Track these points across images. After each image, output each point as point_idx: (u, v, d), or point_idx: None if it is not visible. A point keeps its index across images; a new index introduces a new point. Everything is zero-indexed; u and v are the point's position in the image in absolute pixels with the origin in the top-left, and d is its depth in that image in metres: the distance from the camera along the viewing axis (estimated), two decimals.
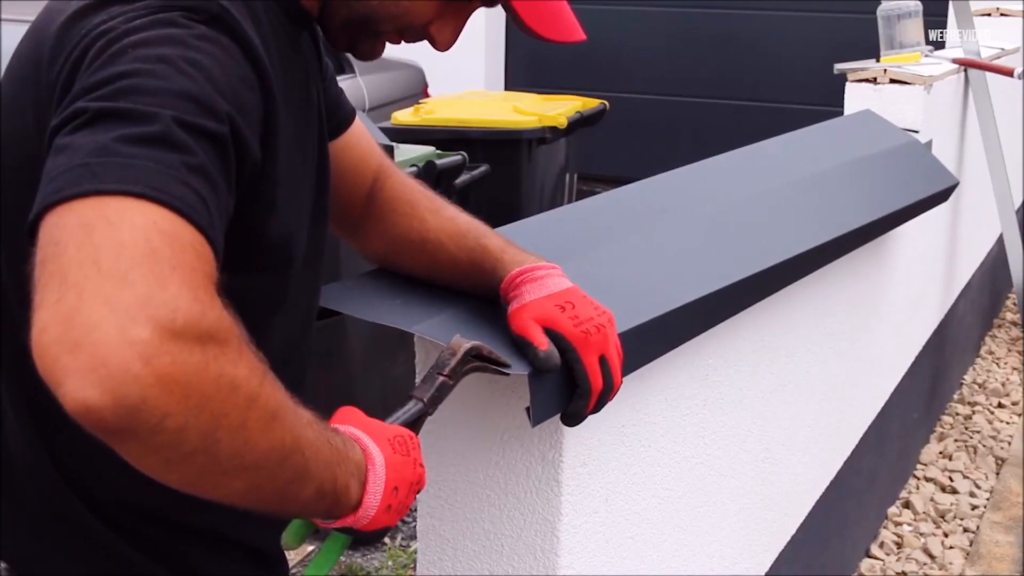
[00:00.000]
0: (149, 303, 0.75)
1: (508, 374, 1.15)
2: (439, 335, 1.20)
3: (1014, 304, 4.93)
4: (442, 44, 1.15)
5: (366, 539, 2.99)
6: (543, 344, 1.14)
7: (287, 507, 0.92)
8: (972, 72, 3.47)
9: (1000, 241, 4.06)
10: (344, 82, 5.30)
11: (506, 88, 7.11)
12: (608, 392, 1.19)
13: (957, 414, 3.92)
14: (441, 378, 1.10)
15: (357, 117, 1.37)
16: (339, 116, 1.30)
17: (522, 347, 1.16)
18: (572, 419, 1.21)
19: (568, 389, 1.18)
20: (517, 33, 7.17)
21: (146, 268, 0.76)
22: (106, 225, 0.77)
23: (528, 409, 1.18)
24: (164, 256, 0.77)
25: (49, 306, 0.74)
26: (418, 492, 1.04)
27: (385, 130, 4.06)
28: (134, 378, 0.73)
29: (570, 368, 1.16)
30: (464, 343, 1.11)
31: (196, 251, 0.80)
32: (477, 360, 1.12)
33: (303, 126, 1.11)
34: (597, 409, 1.20)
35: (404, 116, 4.52)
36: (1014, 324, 4.80)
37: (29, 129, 0.98)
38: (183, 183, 0.81)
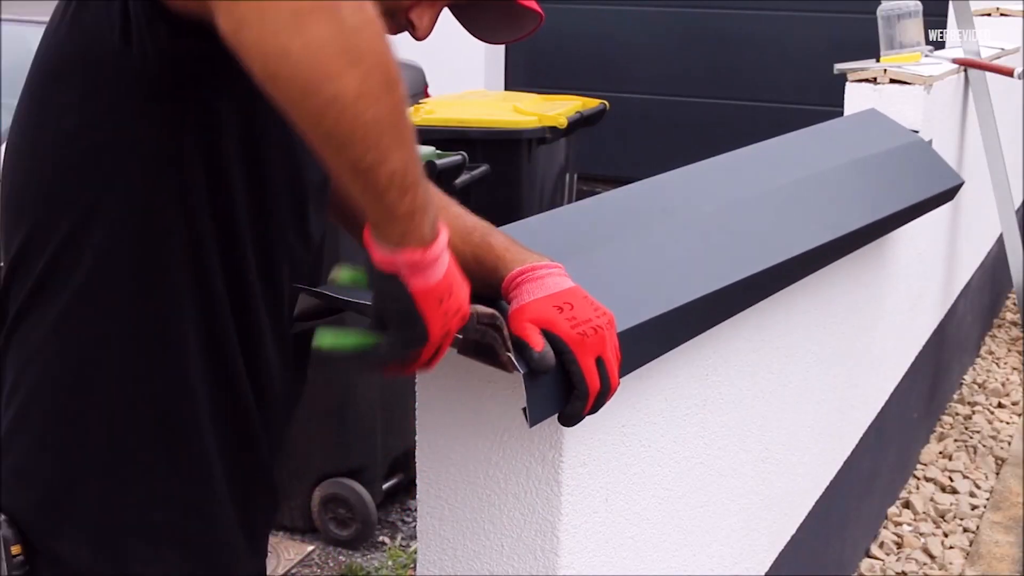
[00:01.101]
0: None
1: (508, 370, 1.15)
2: None
3: (1014, 304, 4.93)
4: (421, 31, 1.19)
5: (359, 540, 2.99)
6: (538, 345, 1.14)
7: (372, 154, 0.90)
8: (972, 72, 3.47)
9: (1000, 241, 4.06)
10: None
11: (506, 88, 7.11)
12: (605, 393, 1.19)
13: (957, 414, 3.92)
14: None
15: None
16: None
17: (518, 348, 1.16)
18: (569, 420, 1.21)
19: (566, 390, 1.18)
20: None
21: None
22: None
23: (525, 410, 1.18)
24: None
25: None
26: (459, 322, 1.05)
27: None
28: None
29: (566, 369, 1.16)
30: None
31: None
32: (492, 330, 1.13)
33: None
34: (595, 410, 1.20)
35: None
36: (1014, 324, 4.80)
37: None
38: None
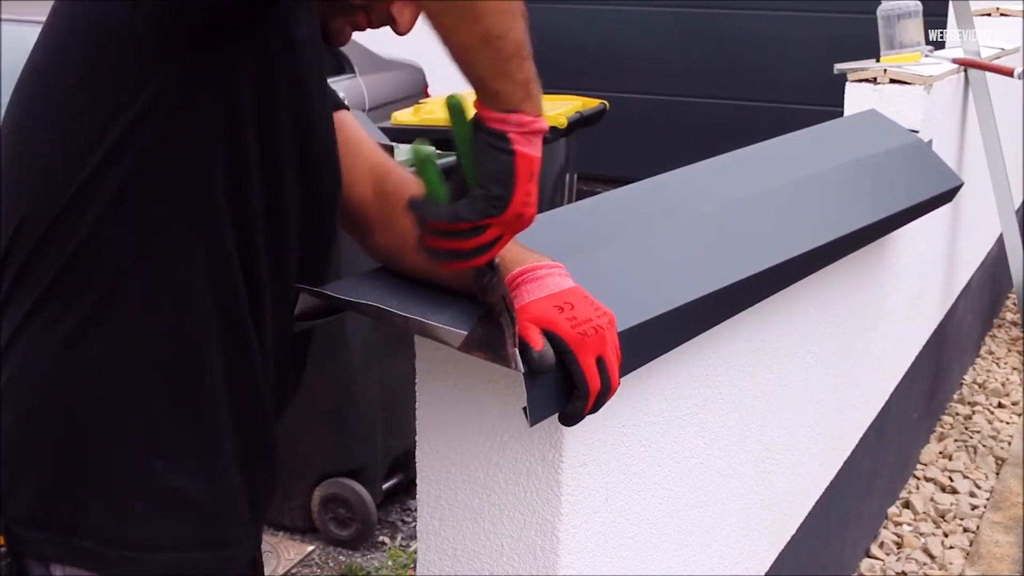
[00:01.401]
0: None
1: (508, 365, 1.16)
2: (453, 327, 1.20)
3: (1014, 304, 4.93)
4: (403, 26, 1.23)
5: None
6: (538, 344, 1.14)
7: (503, 22, 0.98)
8: (972, 72, 3.47)
9: (1000, 241, 4.06)
10: (344, 82, 5.31)
11: None
12: (606, 393, 1.19)
13: (957, 414, 3.92)
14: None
15: (356, 117, 1.38)
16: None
17: (519, 347, 1.16)
18: (570, 419, 1.21)
19: (566, 389, 1.18)
20: None
21: None
22: None
23: (525, 409, 1.18)
24: None
25: None
26: (530, 218, 1.08)
27: (385, 130, 4.06)
28: None
29: (567, 369, 1.16)
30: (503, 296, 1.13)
31: None
32: (508, 314, 1.13)
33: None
34: (595, 410, 1.20)
35: (404, 116, 4.52)
36: (1014, 324, 4.80)
37: None
38: None
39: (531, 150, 1.03)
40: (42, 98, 1.13)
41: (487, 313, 1.15)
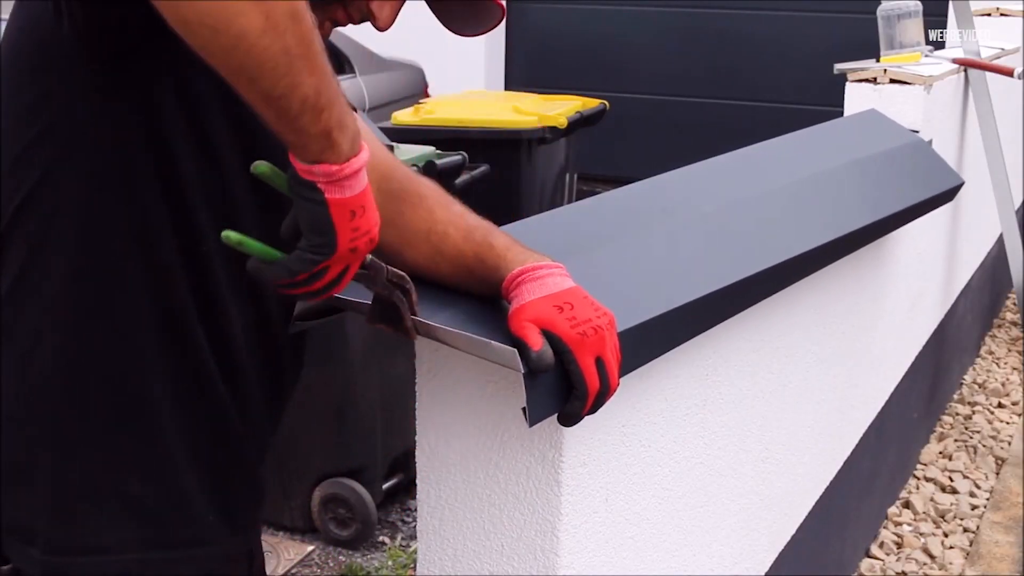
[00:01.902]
0: None
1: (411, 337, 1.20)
2: (452, 327, 1.20)
3: (1014, 304, 4.93)
4: (382, 21, 1.23)
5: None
6: (536, 344, 1.14)
7: (284, 82, 0.95)
8: (972, 72, 3.47)
9: (1000, 241, 4.06)
10: (344, 82, 5.31)
11: (506, 88, 7.11)
12: (604, 394, 1.19)
13: (957, 414, 3.92)
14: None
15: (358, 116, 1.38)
16: None
17: (518, 347, 1.16)
18: (568, 419, 1.20)
19: (565, 390, 1.18)
20: (517, 33, 7.18)
21: None
22: None
23: (524, 409, 1.18)
24: None
25: None
26: (367, 246, 1.08)
27: (385, 130, 4.06)
28: None
29: (566, 369, 1.16)
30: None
31: None
32: (399, 291, 1.19)
33: None
34: (594, 410, 1.20)
35: (404, 116, 4.52)
36: (1014, 324, 4.80)
37: None
38: None
39: (345, 194, 1.02)
40: None
41: (379, 297, 1.20)
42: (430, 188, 1.35)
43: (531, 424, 1.19)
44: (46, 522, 1.16)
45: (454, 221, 1.30)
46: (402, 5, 1.24)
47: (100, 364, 1.14)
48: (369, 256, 1.14)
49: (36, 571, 1.16)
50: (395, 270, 1.20)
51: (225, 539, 1.24)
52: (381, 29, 1.24)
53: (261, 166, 1.05)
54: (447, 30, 1.32)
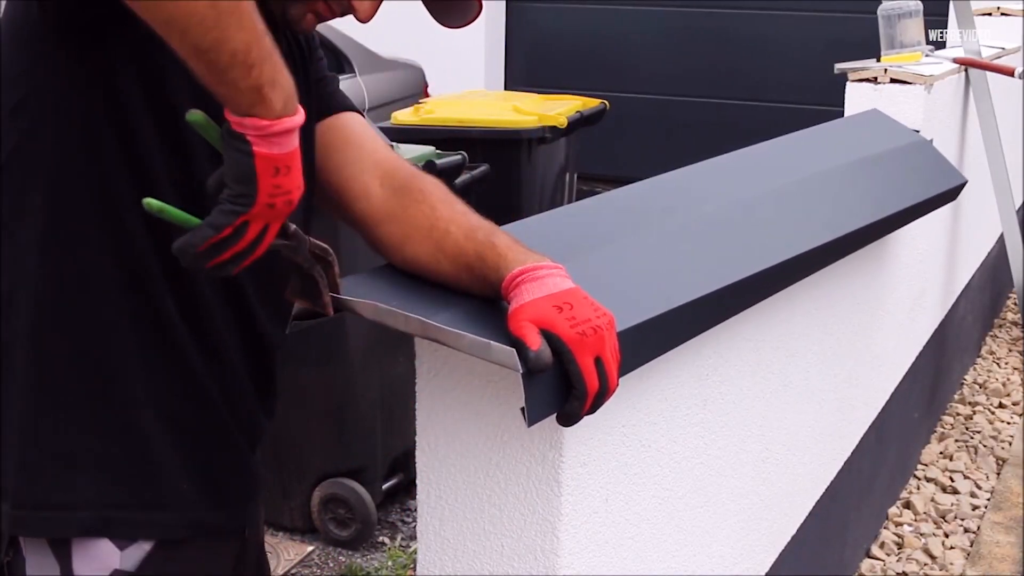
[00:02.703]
0: None
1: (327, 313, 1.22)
2: (453, 327, 1.20)
3: (1015, 304, 4.93)
4: (362, 14, 1.25)
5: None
6: (535, 344, 1.14)
7: (212, 35, 0.99)
8: (972, 72, 3.47)
9: (1000, 241, 4.06)
10: (344, 82, 5.28)
11: (506, 88, 7.11)
12: (604, 394, 1.18)
13: (958, 414, 3.92)
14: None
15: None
16: (324, 95, 1.39)
17: (516, 347, 1.16)
18: (568, 420, 1.20)
19: (564, 390, 1.18)
20: (517, 33, 7.18)
21: None
22: None
23: (523, 409, 1.18)
24: None
25: None
26: (286, 208, 1.10)
27: (385, 130, 4.06)
28: None
29: (565, 369, 1.16)
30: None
31: None
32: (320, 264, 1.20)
33: None
34: (593, 411, 1.20)
35: (404, 116, 4.52)
36: (1015, 324, 4.80)
37: None
38: None
39: (273, 150, 1.05)
40: None
41: (299, 270, 1.21)
42: (434, 185, 1.36)
43: (529, 424, 1.19)
44: (14, 478, 1.19)
45: (456, 219, 1.31)
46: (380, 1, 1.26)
47: (69, 328, 1.18)
48: (292, 225, 1.16)
49: (4, 526, 1.20)
50: (318, 242, 1.21)
51: (200, 510, 1.26)
52: (362, 21, 1.27)
53: (195, 114, 1.08)
54: (437, 23, 1.34)
